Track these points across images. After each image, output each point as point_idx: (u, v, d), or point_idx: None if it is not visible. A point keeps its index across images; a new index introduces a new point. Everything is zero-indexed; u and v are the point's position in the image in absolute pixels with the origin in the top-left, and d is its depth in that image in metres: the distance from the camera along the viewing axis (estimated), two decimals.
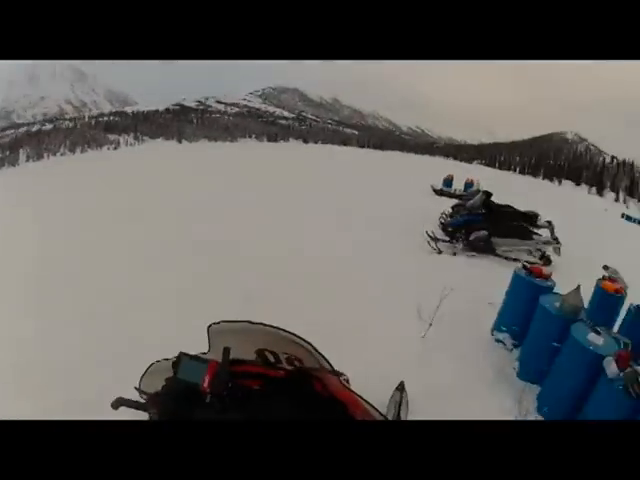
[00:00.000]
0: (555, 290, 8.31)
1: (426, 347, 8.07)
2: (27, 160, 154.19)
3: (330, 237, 14.71)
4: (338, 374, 2.63)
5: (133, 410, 2.41)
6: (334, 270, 11.47)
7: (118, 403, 2.36)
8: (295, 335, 2.45)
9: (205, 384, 2.23)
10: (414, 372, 6.72)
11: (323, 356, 2.47)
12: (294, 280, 10.51)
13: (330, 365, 2.51)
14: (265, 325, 2.48)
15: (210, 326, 2.60)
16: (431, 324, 8.54)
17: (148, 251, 12.11)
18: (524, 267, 8.95)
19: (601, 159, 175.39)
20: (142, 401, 2.50)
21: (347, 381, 3.10)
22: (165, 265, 11.19)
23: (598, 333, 6.57)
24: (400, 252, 14.00)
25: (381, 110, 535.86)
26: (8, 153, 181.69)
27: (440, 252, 14.81)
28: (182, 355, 2.33)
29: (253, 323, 2.50)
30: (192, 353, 2.41)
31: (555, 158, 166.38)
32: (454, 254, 14.87)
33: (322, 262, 12.02)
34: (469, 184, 29.48)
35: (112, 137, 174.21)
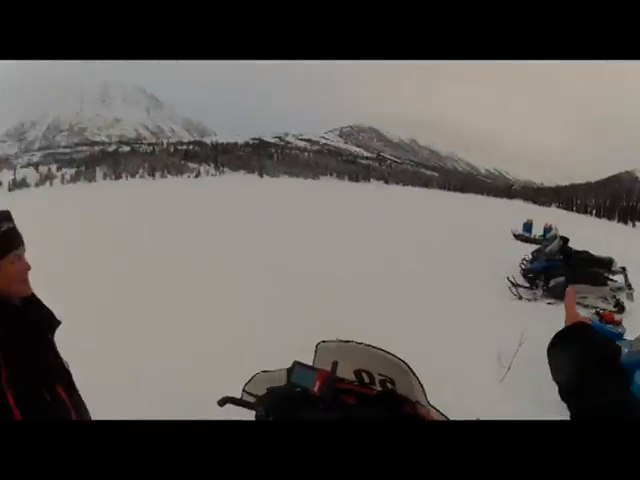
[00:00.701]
0: (627, 336, 8.31)
1: (503, 391, 8.35)
2: (104, 178, 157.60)
3: (413, 280, 15.05)
4: (429, 406, 2.79)
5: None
6: (415, 312, 11.82)
7: (224, 401, 2.76)
8: (397, 357, 2.69)
9: (316, 389, 2.57)
10: (490, 413, 6.37)
11: (419, 380, 2.68)
12: (376, 319, 10.84)
13: (424, 391, 2.72)
14: (370, 346, 2.76)
15: (319, 343, 2.95)
16: (509, 368, 8.80)
17: (225, 279, 13.13)
18: (597, 313, 9.08)
19: None
20: (249, 401, 2.85)
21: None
22: (247, 293, 12.07)
23: None
24: (482, 296, 14.19)
25: (459, 152, 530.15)
26: (84, 169, 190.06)
27: (520, 298, 14.84)
28: (296, 363, 2.72)
29: (359, 343, 2.80)
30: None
31: (627, 199, 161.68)
32: (534, 300, 14.85)
33: (402, 306, 12.33)
34: (548, 229, 28.85)
35: (192, 165, 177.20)
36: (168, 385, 7.21)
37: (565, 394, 1.48)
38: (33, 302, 2.52)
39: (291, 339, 7.55)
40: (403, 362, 2.64)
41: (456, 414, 5.70)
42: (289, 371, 2.73)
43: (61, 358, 2.63)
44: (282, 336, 8.82)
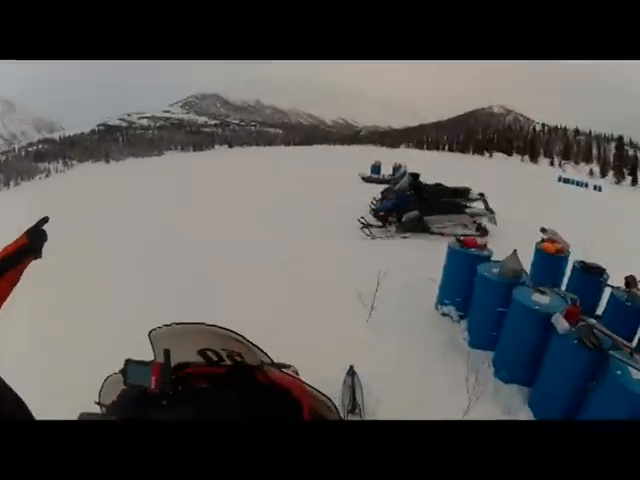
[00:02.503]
0: (496, 258, 8.29)
1: (372, 330, 8.08)
2: None
3: (264, 233, 14.79)
4: (278, 366, 2.73)
5: None
6: (271, 265, 11.46)
7: (82, 418, 2.36)
8: (230, 331, 2.52)
9: (152, 385, 2.36)
10: (363, 356, 6.72)
11: (260, 348, 2.56)
12: (232, 278, 10.44)
13: (268, 357, 2.61)
14: (199, 324, 2.56)
15: (150, 332, 2.65)
16: (373, 307, 8.51)
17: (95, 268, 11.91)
18: (457, 240, 9.03)
19: (531, 127, 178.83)
20: (103, 413, 2.58)
21: (296, 372, 3.23)
22: (113, 284, 10.80)
23: (542, 293, 6.70)
24: (335, 242, 14.08)
25: (302, 106, 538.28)
26: None
27: (374, 237, 14.87)
28: (128, 361, 2.43)
29: (190, 324, 2.58)
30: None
31: (483, 133, 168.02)
32: (388, 237, 14.98)
33: (258, 258, 12.05)
34: (397, 168, 29.99)
35: (42, 166, 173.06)
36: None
37: None
38: None
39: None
40: (233, 332, 2.54)
41: (330, 364, 4.55)
42: (123, 372, 2.45)
43: None
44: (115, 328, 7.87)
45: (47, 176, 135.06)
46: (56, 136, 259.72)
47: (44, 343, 7.67)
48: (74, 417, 2.14)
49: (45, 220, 2.73)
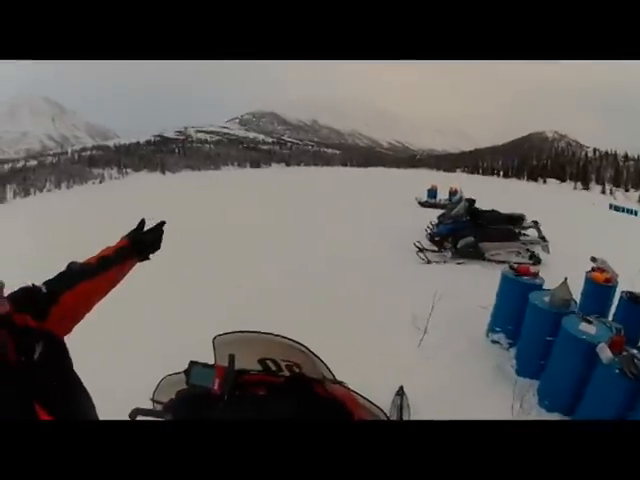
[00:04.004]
0: (546, 286, 8.36)
1: (424, 354, 8.17)
2: (14, 197, 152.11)
3: (321, 255, 14.85)
4: (336, 382, 2.78)
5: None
6: (328, 286, 11.57)
7: (135, 413, 2.59)
8: (293, 341, 2.62)
9: (216, 386, 2.43)
10: (413, 378, 6.82)
11: (321, 359, 2.65)
12: (287, 295, 10.79)
13: (329, 370, 2.71)
14: (265, 334, 2.66)
15: (215, 338, 2.75)
16: (426, 332, 8.62)
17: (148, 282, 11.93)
18: (511, 267, 9.06)
19: (583, 153, 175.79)
20: (158, 410, 2.71)
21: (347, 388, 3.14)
22: (165, 294, 11.10)
23: (590, 322, 6.73)
24: (391, 265, 14.06)
25: (360, 128, 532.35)
26: None
27: (429, 262, 14.91)
28: (192, 363, 2.52)
29: (254, 332, 2.69)
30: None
31: (537, 158, 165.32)
32: (444, 262, 15.00)
33: (315, 279, 12.15)
34: (453, 193, 29.33)
35: (96, 171, 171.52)
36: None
37: None
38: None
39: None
40: (299, 344, 2.63)
41: (380, 384, 4.92)
42: (187, 373, 2.53)
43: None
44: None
45: (101, 182, 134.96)
46: (110, 143, 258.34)
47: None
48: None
49: (143, 222, 2.83)
